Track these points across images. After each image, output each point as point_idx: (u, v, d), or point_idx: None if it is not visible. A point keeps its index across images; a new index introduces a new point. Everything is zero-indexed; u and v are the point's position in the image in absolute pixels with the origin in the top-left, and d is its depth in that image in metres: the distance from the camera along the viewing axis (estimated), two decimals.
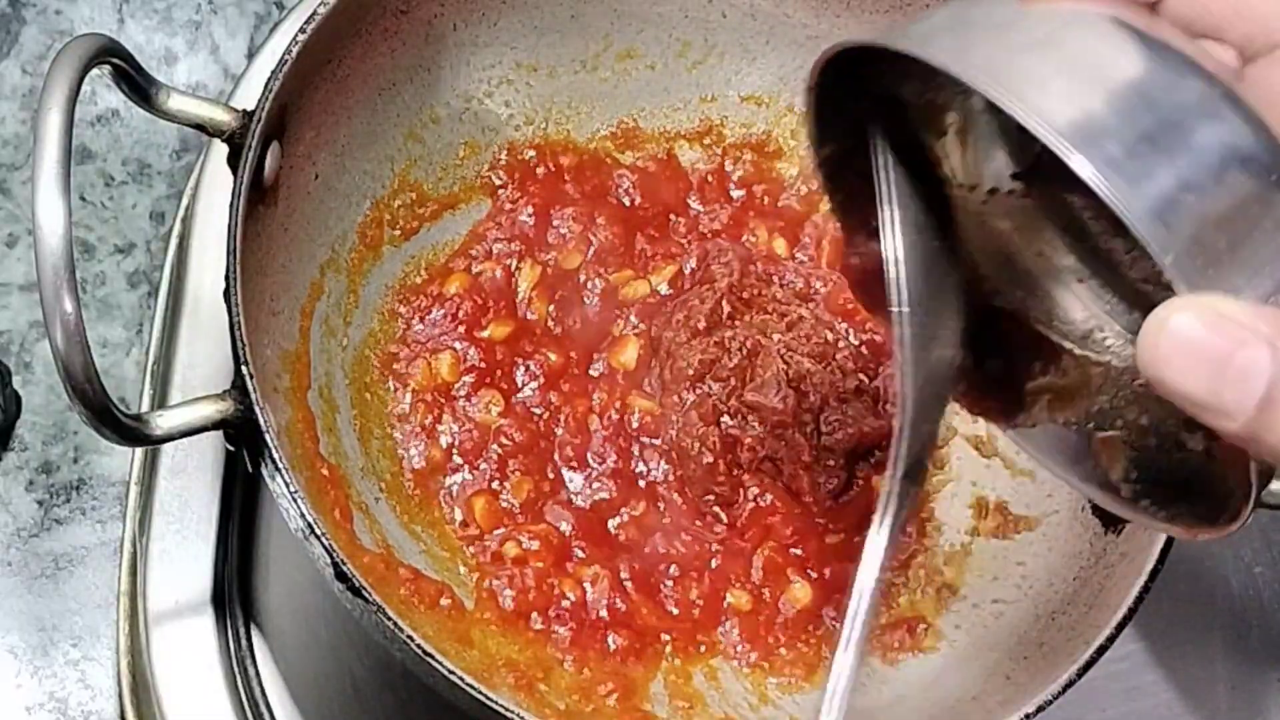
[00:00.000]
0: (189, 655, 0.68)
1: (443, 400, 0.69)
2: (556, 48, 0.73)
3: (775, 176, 0.76)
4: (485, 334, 0.70)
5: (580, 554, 0.67)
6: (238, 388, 0.56)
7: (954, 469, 0.71)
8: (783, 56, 0.75)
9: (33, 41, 0.83)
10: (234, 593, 0.69)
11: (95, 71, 0.54)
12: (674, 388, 0.70)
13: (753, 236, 0.75)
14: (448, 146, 0.73)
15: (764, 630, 0.67)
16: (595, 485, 0.69)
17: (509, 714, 0.54)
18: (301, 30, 0.61)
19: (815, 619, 0.68)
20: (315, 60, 0.62)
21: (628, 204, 0.75)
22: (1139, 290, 0.55)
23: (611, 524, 0.68)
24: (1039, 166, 0.54)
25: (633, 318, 0.72)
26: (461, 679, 0.53)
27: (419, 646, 0.53)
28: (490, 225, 0.73)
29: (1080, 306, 0.57)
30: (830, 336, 0.71)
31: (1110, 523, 0.64)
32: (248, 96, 0.62)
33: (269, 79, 0.59)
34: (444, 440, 0.68)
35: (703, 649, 0.67)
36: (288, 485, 0.55)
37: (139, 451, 0.73)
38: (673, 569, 0.68)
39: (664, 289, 0.73)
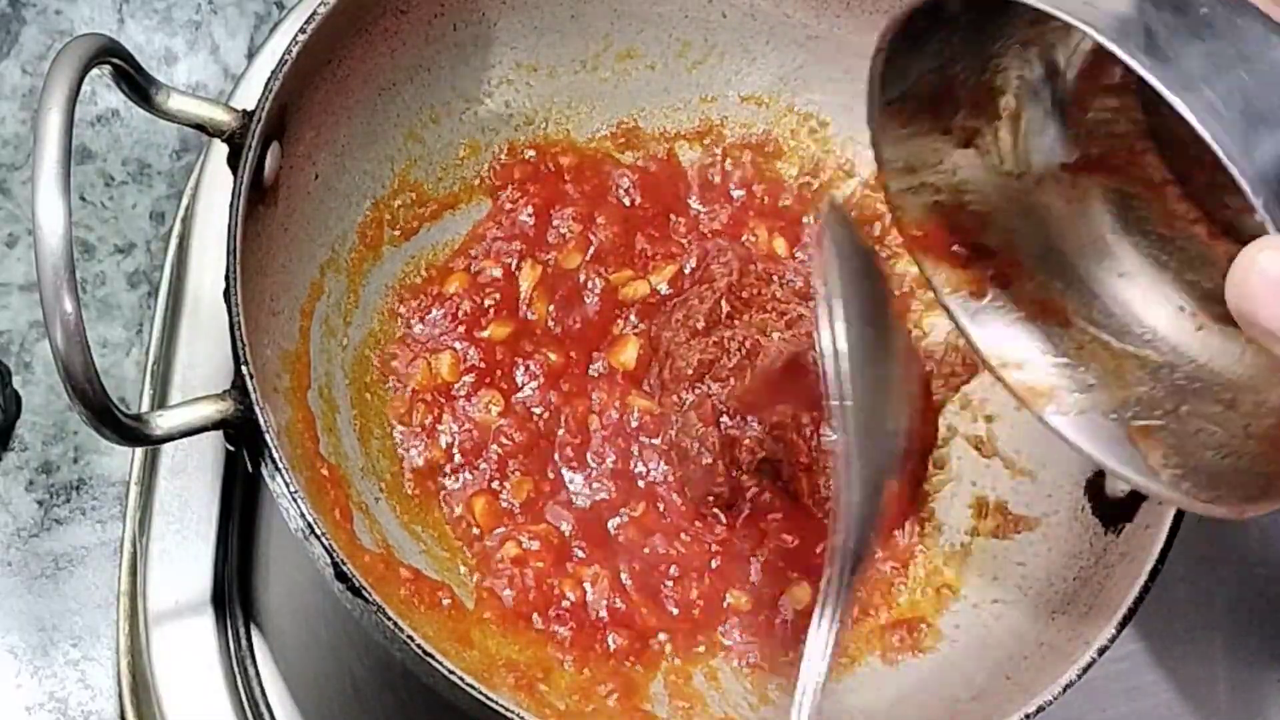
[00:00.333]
0: (189, 655, 0.68)
1: (443, 400, 0.69)
2: (556, 48, 0.73)
3: (775, 176, 0.76)
4: (485, 334, 0.70)
5: (580, 554, 0.67)
6: (238, 388, 0.56)
7: (954, 469, 0.71)
8: (783, 56, 0.75)
9: (33, 41, 0.83)
10: (234, 593, 0.69)
11: (95, 71, 0.54)
12: (673, 388, 0.70)
13: (753, 236, 0.75)
14: (448, 146, 0.73)
15: (764, 630, 0.67)
16: (595, 485, 0.69)
17: (509, 714, 0.54)
18: (301, 30, 0.61)
19: None
20: (315, 60, 0.62)
21: (628, 204, 0.75)
22: (1188, 281, 0.55)
23: (611, 524, 0.68)
24: (1093, 142, 0.54)
25: (632, 317, 0.72)
26: (461, 679, 0.54)
27: (419, 646, 0.53)
28: (490, 225, 0.73)
29: (1120, 301, 0.57)
30: None
31: (1110, 523, 0.64)
32: (248, 96, 0.62)
33: (269, 79, 0.59)
34: (444, 440, 0.68)
35: (703, 649, 0.67)
36: (288, 485, 0.55)
37: (139, 451, 0.73)
38: (673, 569, 0.68)
39: (664, 289, 0.73)
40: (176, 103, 0.59)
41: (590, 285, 0.72)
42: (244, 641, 0.69)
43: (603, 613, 0.66)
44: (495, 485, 0.68)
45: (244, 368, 0.55)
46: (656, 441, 0.70)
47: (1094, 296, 0.57)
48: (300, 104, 0.62)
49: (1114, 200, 0.57)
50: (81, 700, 0.73)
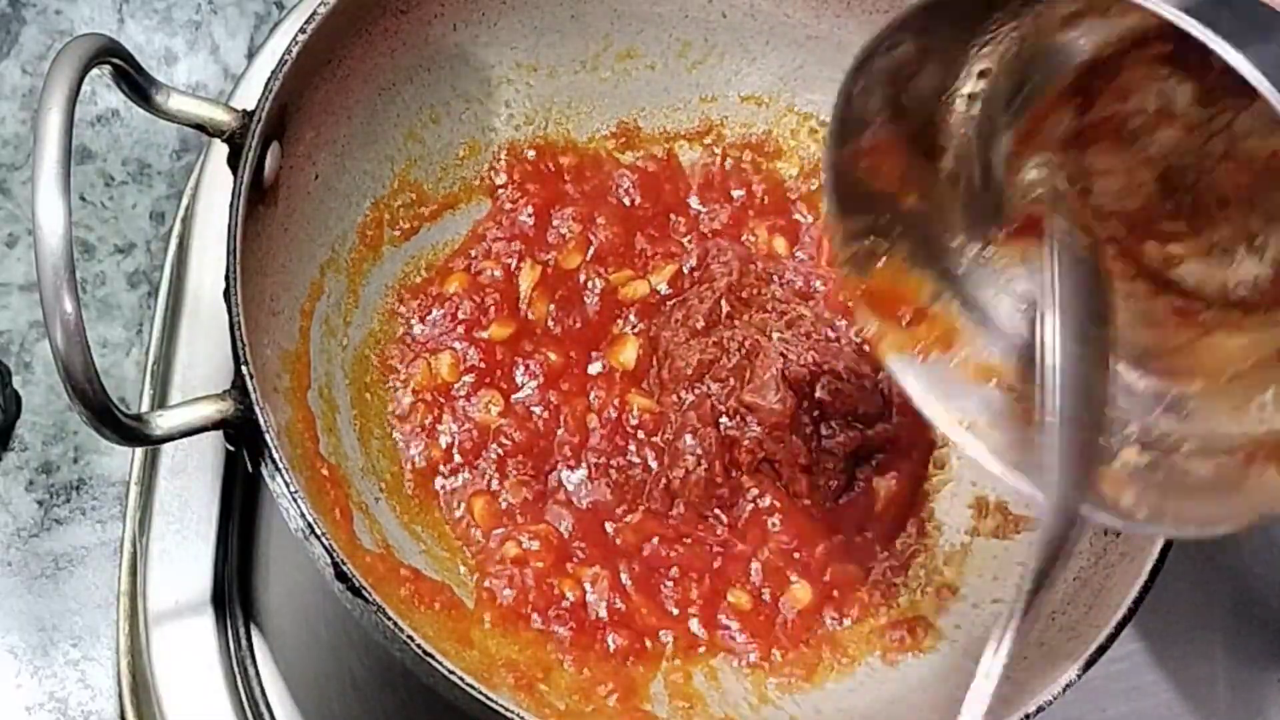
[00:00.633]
0: (189, 655, 0.68)
1: (443, 400, 0.69)
2: (556, 48, 0.73)
3: (775, 176, 0.76)
4: (485, 334, 0.70)
5: (580, 554, 0.67)
6: (238, 388, 0.56)
7: (954, 469, 0.71)
8: (783, 56, 0.75)
9: (33, 41, 0.83)
10: (234, 593, 0.69)
11: (95, 71, 0.54)
12: (673, 387, 0.70)
13: (752, 236, 0.75)
14: (448, 146, 0.73)
15: (764, 630, 0.67)
16: (595, 485, 0.69)
17: (509, 714, 0.54)
18: (301, 30, 0.61)
19: (815, 619, 0.68)
20: (315, 60, 0.62)
21: (628, 204, 0.75)
22: (1128, 339, 0.56)
23: (611, 524, 0.68)
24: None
25: (632, 317, 0.72)
26: (461, 679, 0.54)
27: (419, 646, 0.53)
28: (490, 225, 0.73)
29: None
30: (831, 334, 0.72)
31: None
32: (248, 96, 0.62)
33: (269, 79, 0.59)
34: (444, 440, 0.68)
35: (703, 649, 0.67)
36: (288, 485, 0.55)
37: (139, 451, 0.73)
38: (673, 569, 0.68)
39: (664, 289, 0.73)
40: (176, 103, 0.59)
41: (590, 285, 0.72)
42: (244, 641, 0.69)
43: (603, 613, 0.66)
44: (495, 485, 0.68)
45: (244, 368, 0.55)
46: (656, 441, 0.70)
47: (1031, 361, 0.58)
48: (300, 104, 0.62)
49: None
50: (81, 700, 0.73)
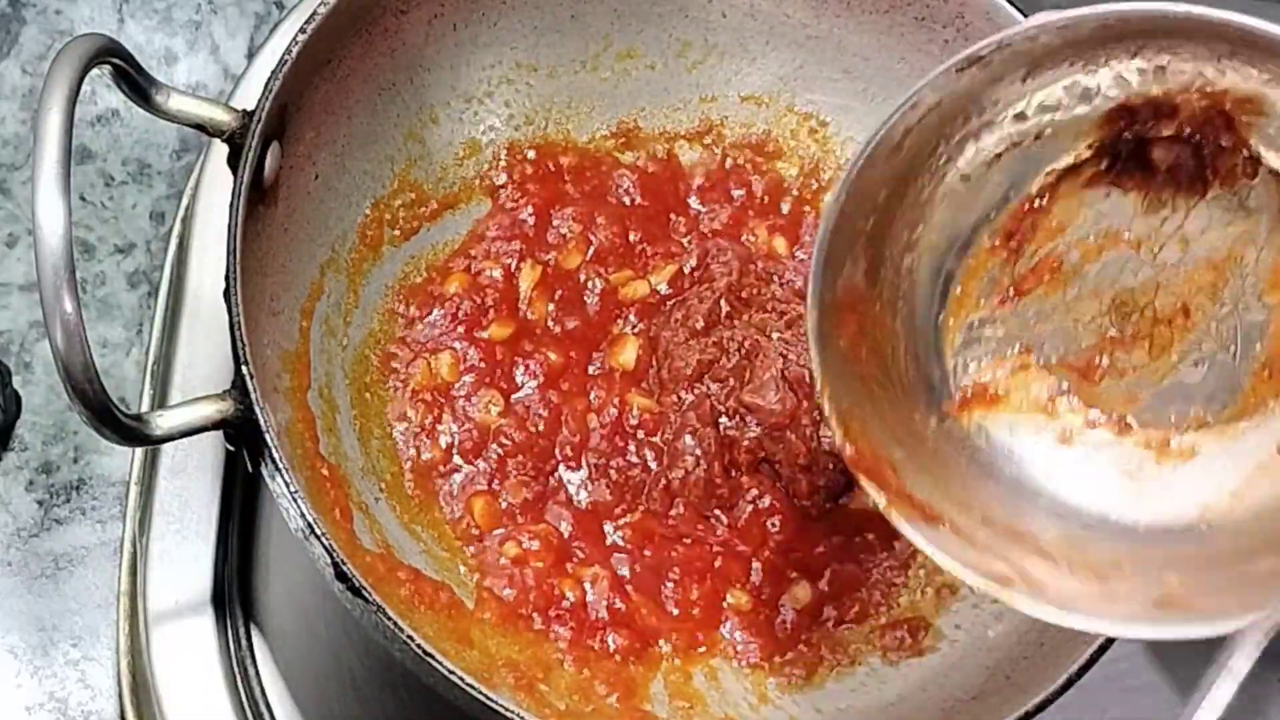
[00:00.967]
0: (189, 655, 0.68)
1: (443, 400, 0.69)
2: (556, 48, 0.73)
3: (775, 176, 0.76)
4: (485, 334, 0.70)
5: (580, 554, 0.67)
6: (238, 388, 0.56)
7: None
8: (783, 56, 0.75)
9: (33, 41, 0.83)
10: (234, 593, 0.69)
11: (95, 71, 0.54)
12: (672, 387, 0.70)
13: (752, 236, 0.75)
14: (448, 146, 0.73)
15: (764, 630, 0.67)
16: (595, 485, 0.69)
17: (509, 714, 0.54)
18: (301, 30, 0.61)
19: (815, 619, 0.68)
20: (315, 60, 0.62)
21: (628, 204, 0.75)
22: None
23: (611, 525, 0.68)
24: None
25: (632, 317, 0.72)
26: (461, 679, 0.54)
27: (419, 646, 0.53)
28: (490, 225, 0.73)
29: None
30: None
31: None
32: (248, 96, 0.62)
33: (269, 79, 0.59)
34: (444, 440, 0.68)
35: (703, 649, 0.67)
36: (288, 485, 0.55)
37: (139, 451, 0.73)
38: (673, 569, 0.68)
39: (664, 289, 0.73)
40: (176, 103, 0.59)
41: (590, 285, 0.72)
42: (244, 641, 0.69)
43: (603, 613, 0.66)
44: (495, 485, 0.68)
45: (244, 368, 0.55)
46: (656, 441, 0.70)
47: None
48: (300, 104, 0.62)
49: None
50: (81, 700, 0.73)
